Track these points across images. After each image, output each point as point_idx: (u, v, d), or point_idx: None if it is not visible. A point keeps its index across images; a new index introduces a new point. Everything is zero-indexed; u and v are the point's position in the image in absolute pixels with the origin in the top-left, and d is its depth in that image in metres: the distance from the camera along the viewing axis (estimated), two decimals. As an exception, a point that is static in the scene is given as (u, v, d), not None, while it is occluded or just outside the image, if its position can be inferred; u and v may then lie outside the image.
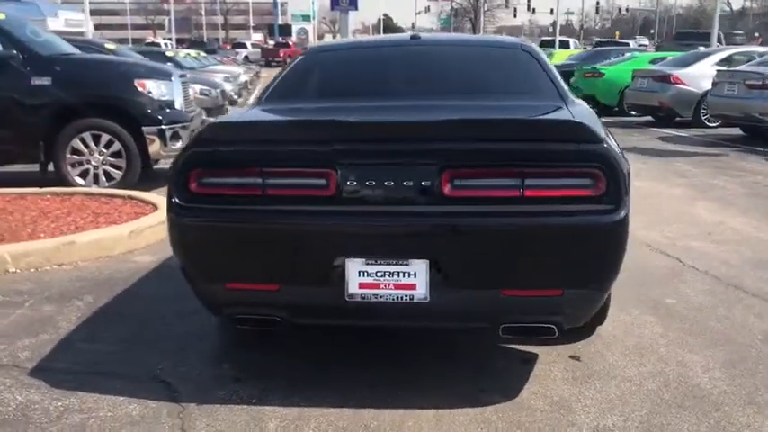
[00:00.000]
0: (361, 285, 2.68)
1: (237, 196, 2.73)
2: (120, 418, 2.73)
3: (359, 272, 2.68)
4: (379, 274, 2.68)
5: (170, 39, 46.89)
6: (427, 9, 79.42)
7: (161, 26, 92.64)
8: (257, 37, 73.06)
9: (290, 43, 52.27)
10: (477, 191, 2.65)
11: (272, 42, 56.74)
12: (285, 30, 65.31)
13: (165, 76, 7.21)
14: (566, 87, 3.54)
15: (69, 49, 7.62)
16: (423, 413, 2.76)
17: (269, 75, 36.68)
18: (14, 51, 6.64)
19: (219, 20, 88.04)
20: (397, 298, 2.68)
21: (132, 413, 2.77)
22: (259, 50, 50.85)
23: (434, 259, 2.66)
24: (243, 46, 51.49)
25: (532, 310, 2.74)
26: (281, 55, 47.06)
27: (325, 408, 2.79)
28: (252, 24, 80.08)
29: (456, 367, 3.16)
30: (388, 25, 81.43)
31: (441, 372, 3.11)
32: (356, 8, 28.87)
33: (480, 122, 2.82)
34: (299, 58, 3.89)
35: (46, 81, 6.67)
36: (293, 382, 3.00)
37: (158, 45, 46.53)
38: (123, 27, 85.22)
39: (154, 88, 6.96)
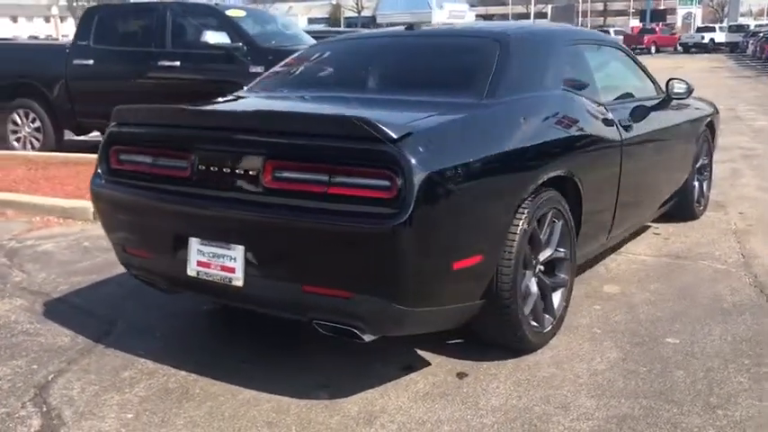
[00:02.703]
0: (198, 263, 2.90)
1: (129, 172, 3.15)
2: (45, 345, 3.37)
3: (197, 250, 2.91)
4: (210, 254, 2.87)
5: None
6: None
7: (543, 14, 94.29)
8: (635, 23, 69.97)
9: (657, 29, 49.19)
10: (287, 184, 2.68)
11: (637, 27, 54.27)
12: (659, 15, 61.58)
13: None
14: (521, 82, 3.25)
15: (302, 42, 8.65)
16: (243, 392, 2.88)
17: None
18: (240, 44, 7.82)
19: (601, 6, 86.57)
20: (221, 279, 2.85)
21: (58, 343, 3.39)
22: (621, 37, 48.92)
23: (249, 246, 2.77)
24: (606, 32, 49.98)
25: (330, 309, 2.68)
26: (645, 42, 44.61)
27: (179, 370, 3.08)
28: (632, 10, 77.00)
29: (332, 363, 3.13)
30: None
31: (314, 365, 3.12)
32: (749, -11, 26.12)
33: (292, 117, 2.83)
34: (298, 52, 4.13)
35: (260, 69, 7.68)
36: (193, 349, 3.33)
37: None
38: (506, 17, 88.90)
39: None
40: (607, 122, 3.66)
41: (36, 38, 31.28)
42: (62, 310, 3.82)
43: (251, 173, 2.74)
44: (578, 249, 3.53)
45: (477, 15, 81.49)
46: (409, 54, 3.68)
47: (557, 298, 3.33)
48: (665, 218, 5.24)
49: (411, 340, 3.22)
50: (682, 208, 5.23)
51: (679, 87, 4.50)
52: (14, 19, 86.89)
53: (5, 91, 8.79)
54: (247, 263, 2.77)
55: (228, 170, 2.80)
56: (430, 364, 3.12)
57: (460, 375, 3.01)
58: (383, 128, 2.46)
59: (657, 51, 45.30)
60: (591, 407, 2.74)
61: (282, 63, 4.07)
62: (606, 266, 4.37)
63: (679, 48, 47.13)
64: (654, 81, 4.65)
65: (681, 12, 78.03)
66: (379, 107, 3.14)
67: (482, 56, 3.33)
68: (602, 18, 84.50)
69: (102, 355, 3.25)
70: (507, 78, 3.20)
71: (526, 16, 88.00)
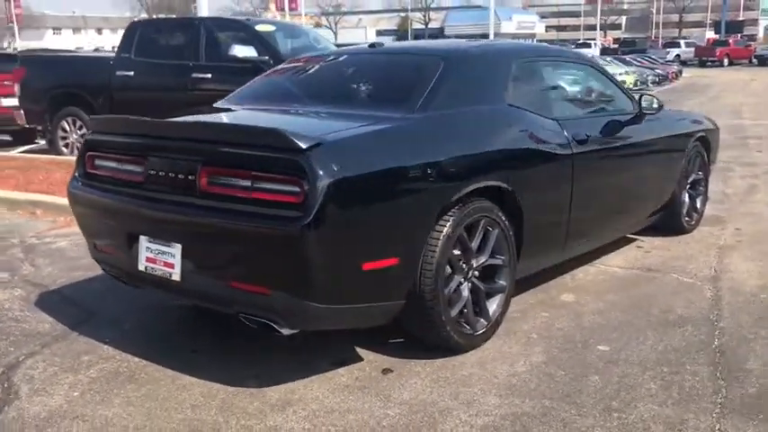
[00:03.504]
0: (147, 259, 3.21)
1: (100, 176, 3.48)
2: (27, 330, 3.73)
3: (146, 247, 3.21)
4: (156, 251, 3.17)
5: (593, 39, 47.04)
6: None
7: (617, 26, 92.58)
8: (711, 34, 67.95)
9: (730, 41, 47.70)
10: (219, 189, 2.95)
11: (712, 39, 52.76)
12: (736, 26, 59.70)
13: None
14: (459, 97, 3.45)
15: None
16: (183, 378, 3.15)
17: (694, 75, 34.41)
18: (266, 57, 8.20)
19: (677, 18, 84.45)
20: (163, 274, 3.13)
21: (39, 329, 3.75)
22: (692, 49, 47.61)
23: (185, 245, 3.05)
24: (676, 45, 48.90)
25: (252, 304, 2.92)
26: (718, 54, 43.37)
27: (134, 357, 3.38)
28: (708, 21, 74.81)
29: (273, 356, 3.36)
30: None
31: (256, 357, 3.36)
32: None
33: (222, 128, 3.10)
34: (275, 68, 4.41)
35: (284, 81, 8.10)
36: (154, 339, 3.66)
37: (589, 46, 46.89)
38: (578, 28, 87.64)
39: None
40: (556, 137, 3.78)
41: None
42: (53, 300, 4.20)
43: (189, 178, 3.02)
44: (525, 259, 3.67)
45: (547, 27, 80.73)
46: (363, 71, 3.90)
47: (493, 303, 3.48)
48: (654, 231, 5.28)
49: (353, 338, 3.44)
50: (669, 222, 5.25)
51: (653, 103, 4.57)
52: (99, 31, 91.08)
53: (56, 100, 9.45)
54: (184, 260, 3.05)
55: (172, 175, 3.09)
56: (362, 359, 3.32)
57: (385, 371, 3.21)
58: (293, 138, 2.71)
59: (731, 64, 43.97)
60: (493, 404, 2.89)
61: (257, 78, 4.36)
62: (573, 276, 4.47)
63: (754, 60, 45.59)
64: (630, 97, 4.73)
65: (763, 23, 75.44)
66: (310, 119, 3.39)
67: (424, 72, 3.52)
68: (677, 29, 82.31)
69: (73, 341, 3.59)
70: (443, 94, 3.38)
71: (595, 28, 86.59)
